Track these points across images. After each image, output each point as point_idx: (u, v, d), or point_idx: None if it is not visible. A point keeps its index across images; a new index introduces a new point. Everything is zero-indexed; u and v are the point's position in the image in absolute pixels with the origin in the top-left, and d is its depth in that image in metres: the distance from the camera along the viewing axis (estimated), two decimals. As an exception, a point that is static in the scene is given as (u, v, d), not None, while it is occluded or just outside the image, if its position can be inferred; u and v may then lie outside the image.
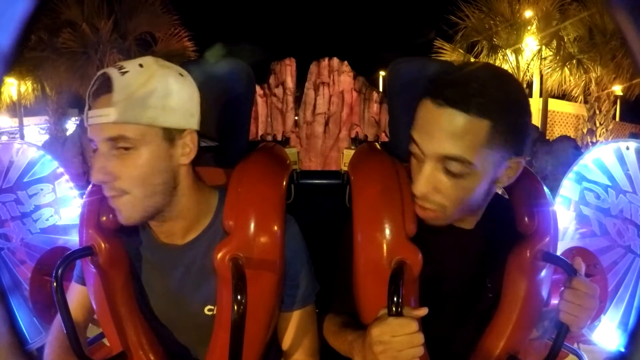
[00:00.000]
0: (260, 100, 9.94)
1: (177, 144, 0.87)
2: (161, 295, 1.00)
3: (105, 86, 0.80)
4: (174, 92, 0.84)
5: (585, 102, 9.75)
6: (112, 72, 0.80)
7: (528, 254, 0.95)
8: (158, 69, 0.84)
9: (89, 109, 0.82)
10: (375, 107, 10.13)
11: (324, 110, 10.14)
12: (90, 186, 1.02)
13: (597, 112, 9.34)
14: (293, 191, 1.10)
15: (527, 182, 1.01)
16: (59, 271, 0.87)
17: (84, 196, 1.02)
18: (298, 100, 10.32)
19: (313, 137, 10.03)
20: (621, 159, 2.16)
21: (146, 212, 0.87)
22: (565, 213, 2.31)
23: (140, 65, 0.82)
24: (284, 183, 1.01)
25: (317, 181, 1.76)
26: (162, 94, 0.82)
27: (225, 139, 1.12)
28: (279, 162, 1.10)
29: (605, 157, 2.21)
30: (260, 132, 9.66)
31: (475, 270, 1.00)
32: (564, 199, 2.35)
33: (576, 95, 9.79)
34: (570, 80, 9.57)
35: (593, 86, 9.33)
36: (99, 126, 0.81)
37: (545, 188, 1.03)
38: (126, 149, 0.81)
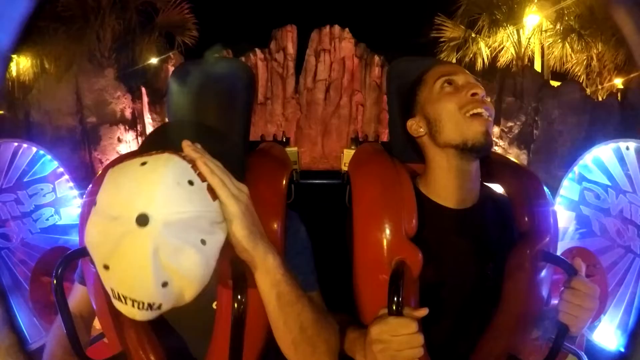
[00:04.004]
0: (260, 64, 9.79)
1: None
2: None
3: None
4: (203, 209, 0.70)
5: (587, 78, 9.53)
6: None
7: (528, 254, 0.95)
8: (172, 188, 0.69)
9: None
10: (377, 70, 9.98)
11: (324, 77, 10.01)
12: (90, 186, 1.02)
13: (599, 87, 9.14)
14: (293, 191, 1.10)
15: (527, 182, 1.01)
16: (59, 271, 0.87)
17: (84, 196, 1.02)
18: (298, 69, 10.16)
19: (313, 103, 9.93)
20: (621, 159, 2.16)
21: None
22: (565, 213, 2.32)
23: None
24: (284, 183, 1.01)
25: (317, 181, 1.76)
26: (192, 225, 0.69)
27: (225, 138, 1.13)
28: (279, 162, 1.10)
29: (605, 157, 2.22)
30: (260, 97, 9.52)
31: (474, 250, 1.00)
32: (564, 199, 2.35)
33: (579, 74, 9.57)
34: (572, 58, 9.38)
35: (595, 62, 9.15)
36: None
37: (545, 188, 1.03)
38: None
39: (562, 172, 2.84)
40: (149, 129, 5.06)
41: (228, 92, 1.09)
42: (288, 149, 1.37)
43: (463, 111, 0.95)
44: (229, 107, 1.12)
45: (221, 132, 1.10)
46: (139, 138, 7.07)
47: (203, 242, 0.69)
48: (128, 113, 7.37)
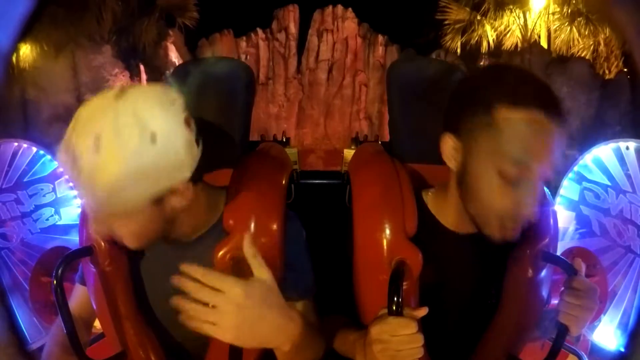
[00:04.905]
0: (262, 44, 9.59)
1: (168, 200, 0.81)
2: (165, 290, 1.00)
3: None
4: (150, 163, 0.74)
5: (594, 63, 9.33)
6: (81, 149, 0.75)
7: (528, 254, 0.95)
8: (119, 142, 0.72)
9: None
10: (380, 50, 9.72)
11: (327, 57, 9.75)
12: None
13: (607, 72, 8.95)
14: (293, 191, 1.10)
15: None
16: (59, 271, 0.88)
17: (84, 196, 1.02)
18: (300, 49, 9.92)
19: (316, 84, 9.67)
20: (621, 159, 2.16)
21: (148, 243, 0.88)
22: (565, 213, 2.32)
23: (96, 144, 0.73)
24: (284, 183, 1.01)
25: (317, 181, 1.76)
26: (136, 171, 0.73)
27: (225, 138, 1.13)
28: (279, 162, 1.10)
29: (605, 157, 2.22)
30: (261, 77, 9.38)
31: (477, 276, 0.99)
32: (564, 199, 2.35)
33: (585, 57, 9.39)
34: (578, 42, 9.17)
35: (602, 47, 8.97)
36: None
37: (545, 188, 1.03)
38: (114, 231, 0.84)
39: (571, 151, 2.76)
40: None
41: (228, 92, 1.09)
42: (288, 149, 1.37)
43: (499, 219, 0.83)
44: (228, 107, 1.12)
45: (221, 132, 1.10)
46: (137, 116, 6.82)
47: (153, 139, 0.72)
48: None
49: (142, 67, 8.07)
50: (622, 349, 1.16)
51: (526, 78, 0.82)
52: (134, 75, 7.70)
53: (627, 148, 2.14)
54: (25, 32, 0.53)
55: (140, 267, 1.00)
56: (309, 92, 9.65)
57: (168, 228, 0.88)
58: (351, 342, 0.92)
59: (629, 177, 2.13)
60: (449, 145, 0.87)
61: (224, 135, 1.12)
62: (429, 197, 1.00)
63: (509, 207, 0.81)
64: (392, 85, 1.14)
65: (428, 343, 0.80)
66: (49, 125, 5.12)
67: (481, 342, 0.99)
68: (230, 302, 0.71)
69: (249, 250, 0.76)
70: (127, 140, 0.71)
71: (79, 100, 6.48)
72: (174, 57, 8.10)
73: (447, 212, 0.96)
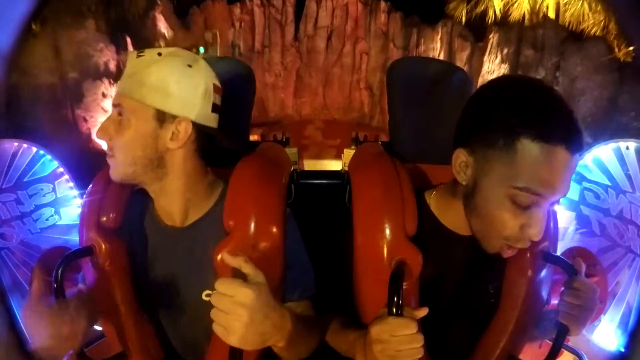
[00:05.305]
0: (257, 10, 9.09)
1: (167, 127, 0.92)
2: (162, 279, 1.02)
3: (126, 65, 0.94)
4: (174, 79, 0.91)
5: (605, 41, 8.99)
6: (132, 54, 0.93)
7: (528, 254, 0.95)
8: (167, 57, 0.92)
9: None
10: (382, 17, 9.19)
11: (326, 23, 9.24)
12: (90, 186, 1.02)
13: (617, 50, 8.60)
14: (293, 191, 1.10)
15: None
16: (59, 271, 0.88)
17: (84, 196, 1.02)
18: (298, 15, 9.34)
19: (314, 52, 9.16)
20: (621, 159, 2.16)
21: (126, 176, 0.95)
22: (565, 213, 2.31)
23: (159, 54, 0.92)
24: (284, 183, 1.01)
25: (317, 181, 1.76)
26: (161, 77, 0.90)
27: (225, 138, 1.12)
28: (279, 162, 1.10)
29: (605, 157, 2.21)
30: (257, 45, 9.07)
31: (476, 276, 0.99)
32: (564, 199, 2.35)
33: (596, 35, 9.03)
34: (589, 17, 8.76)
35: (612, 24, 8.66)
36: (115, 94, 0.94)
37: None
38: (120, 114, 0.92)
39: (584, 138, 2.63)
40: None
41: (228, 92, 1.10)
42: (288, 149, 1.37)
43: (505, 239, 0.84)
44: (228, 107, 1.12)
45: (221, 132, 1.10)
46: (126, 92, 6.12)
47: (190, 65, 0.93)
48: (112, 66, 6.41)
49: (128, 40, 7.64)
50: (622, 349, 1.16)
51: (553, 106, 0.79)
52: (120, 49, 7.17)
53: (627, 148, 2.14)
54: (25, 32, 0.53)
55: (137, 257, 1.01)
56: (307, 60, 9.13)
57: (149, 179, 0.95)
58: (351, 341, 0.92)
59: (629, 177, 2.13)
60: (460, 160, 0.86)
61: (224, 135, 1.12)
62: (431, 198, 1.00)
63: (516, 230, 0.82)
64: (392, 85, 1.14)
65: (428, 343, 0.80)
66: (32, 107, 4.85)
67: (481, 342, 0.99)
68: (240, 306, 0.72)
69: (234, 261, 0.77)
70: (178, 59, 0.93)
71: (62, 80, 6.09)
72: (163, 27, 7.57)
73: (449, 214, 0.96)
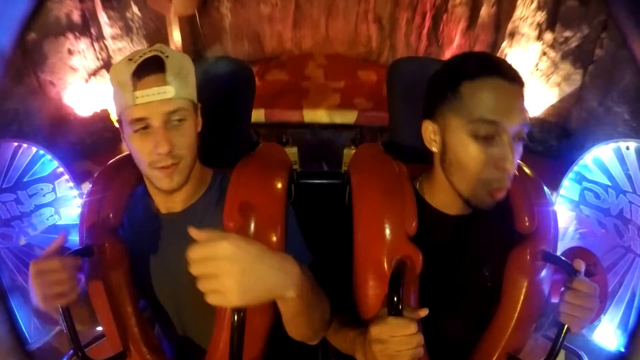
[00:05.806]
0: None
1: (198, 115, 0.99)
2: (161, 267, 1.02)
3: (155, 66, 0.88)
4: (192, 71, 0.96)
5: None
6: (159, 54, 0.90)
7: (528, 254, 0.95)
8: (176, 53, 0.95)
9: (137, 89, 0.87)
10: None
11: None
12: (90, 186, 1.03)
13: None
14: (293, 191, 1.10)
15: (528, 182, 1.01)
16: None
17: (84, 196, 1.03)
18: None
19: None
20: (621, 159, 2.16)
21: (187, 176, 0.96)
22: (566, 213, 2.31)
23: (170, 52, 0.94)
24: (284, 183, 1.01)
25: (317, 181, 1.76)
26: (190, 73, 0.95)
27: (225, 138, 1.12)
28: (279, 162, 1.10)
29: (605, 157, 2.21)
30: None
31: (469, 256, 0.99)
32: (564, 199, 2.35)
33: None
34: None
35: None
36: (157, 103, 0.88)
37: (545, 188, 1.03)
38: (180, 120, 0.92)
39: (619, 108, 2.46)
40: (107, 32, 3.51)
41: (228, 92, 1.10)
42: (288, 149, 1.37)
43: (487, 183, 0.87)
44: (228, 107, 1.12)
45: (221, 132, 1.11)
46: (95, 45, 4.95)
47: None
48: (76, 16, 5.02)
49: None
50: (622, 349, 1.16)
51: (485, 56, 0.91)
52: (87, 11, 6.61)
53: (627, 148, 2.14)
54: (25, 32, 0.53)
55: (139, 251, 1.02)
56: (298, 15, 8.73)
57: (194, 160, 0.97)
58: (351, 339, 0.92)
59: (629, 177, 2.12)
60: (428, 131, 0.94)
61: (224, 135, 1.12)
62: (417, 183, 1.03)
63: (490, 165, 0.85)
64: (392, 85, 1.14)
65: (426, 334, 0.80)
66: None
67: (481, 341, 0.99)
68: (222, 260, 0.65)
69: (200, 235, 0.68)
70: (182, 54, 0.96)
71: (20, 42, 5.66)
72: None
73: (435, 194, 0.99)
